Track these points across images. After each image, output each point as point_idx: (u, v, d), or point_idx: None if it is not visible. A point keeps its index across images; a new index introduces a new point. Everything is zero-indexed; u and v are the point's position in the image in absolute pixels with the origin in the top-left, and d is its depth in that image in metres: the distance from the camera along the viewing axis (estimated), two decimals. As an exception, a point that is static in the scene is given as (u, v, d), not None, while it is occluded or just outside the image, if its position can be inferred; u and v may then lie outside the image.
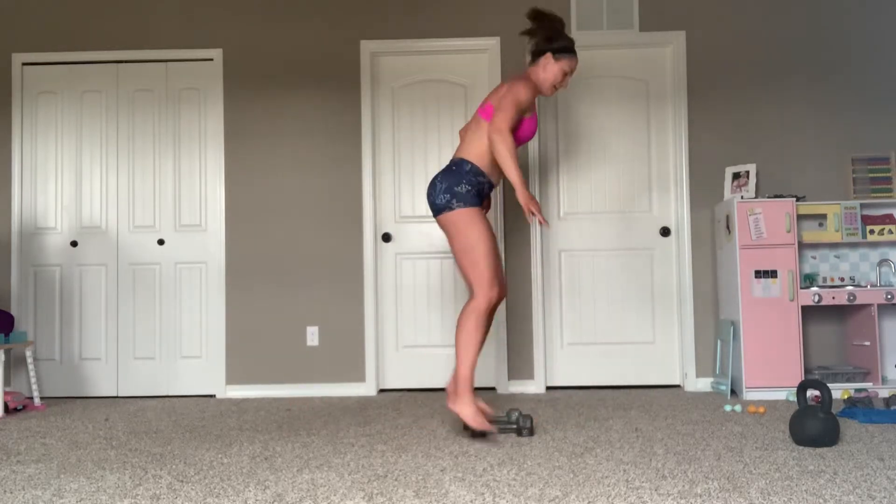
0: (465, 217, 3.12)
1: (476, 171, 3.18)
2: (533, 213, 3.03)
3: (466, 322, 3.10)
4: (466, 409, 3.08)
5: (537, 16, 3.26)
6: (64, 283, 4.73)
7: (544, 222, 3.03)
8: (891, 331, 4.38)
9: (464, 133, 3.39)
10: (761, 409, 3.65)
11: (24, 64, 4.78)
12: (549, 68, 3.26)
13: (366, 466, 2.72)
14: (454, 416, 3.72)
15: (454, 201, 3.13)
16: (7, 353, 4.40)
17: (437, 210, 3.18)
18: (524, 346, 4.59)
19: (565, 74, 3.28)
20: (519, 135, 3.27)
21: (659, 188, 4.67)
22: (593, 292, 4.65)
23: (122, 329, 4.70)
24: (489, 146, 3.15)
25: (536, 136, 4.63)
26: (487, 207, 3.42)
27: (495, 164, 3.23)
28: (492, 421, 3.30)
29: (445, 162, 4.71)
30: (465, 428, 3.30)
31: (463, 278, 3.33)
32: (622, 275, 4.64)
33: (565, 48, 3.25)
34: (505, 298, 3.15)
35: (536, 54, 3.28)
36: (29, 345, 4.29)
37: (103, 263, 4.73)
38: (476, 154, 3.20)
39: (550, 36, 3.25)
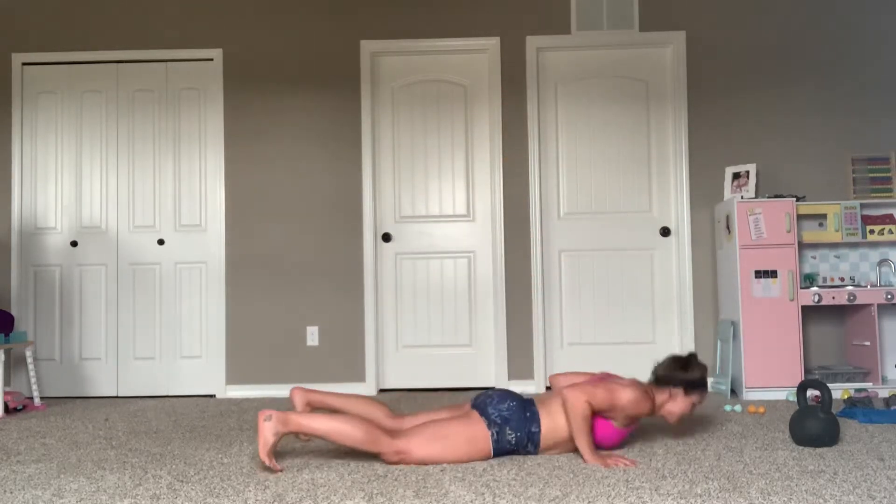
0: (474, 431, 2.75)
1: (534, 440, 2.80)
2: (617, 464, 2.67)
3: (359, 431, 2.65)
4: (269, 436, 2.63)
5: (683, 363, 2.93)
6: (64, 283, 4.73)
7: (630, 464, 2.67)
8: (891, 331, 4.38)
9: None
10: (761, 409, 3.65)
11: (24, 64, 4.78)
12: (678, 401, 2.90)
13: (366, 466, 2.72)
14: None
15: (493, 428, 2.76)
16: (7, 353, 4.40)
17: (478, 409, 2.81)
18: (524, 346, 4.59)
19: (695, 406, 2.95)
20: (599, 435, 2.85)
21: (659, 188, 4.67)
22: (593, 292, 4.65)
23: (122, 329, 4.70)
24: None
25: (536, 136, 4.62)
26: None
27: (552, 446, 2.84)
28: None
29: (445, 162, 4.71)
30: None
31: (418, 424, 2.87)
32: (622, 275, 4.64)
33: (698, 382, 2.91)
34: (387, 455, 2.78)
35: (663, 381, 2.92)
36: (29, 345, 4.29)
37: (103, 263, 4.73)
38: (547, 432, 2.79)
39: (684, 364, 2.91)
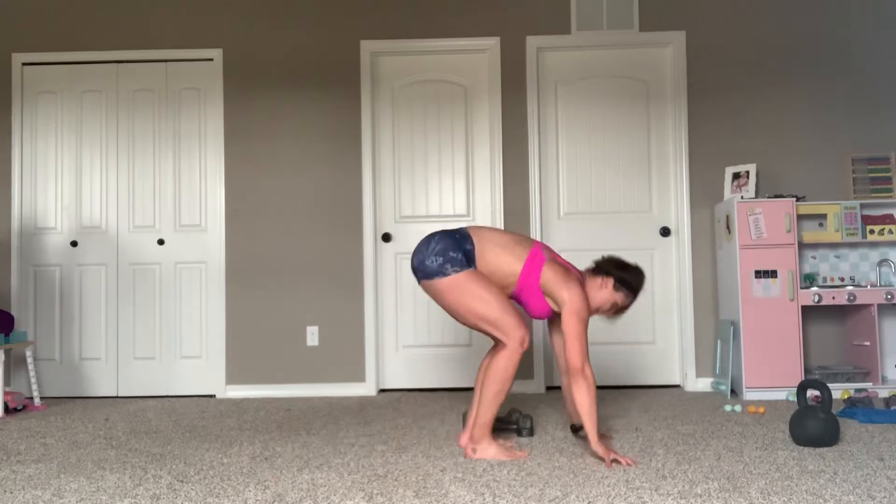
0: (463, 278, 2.82)
1: (471, 258, 2.87)
2: (616, 461, 2.72)
3: (499, 368, 2.82)
4: (491, 451, 2.84)
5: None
6: (64, 283, 4.73)
7: (632, 463, 2.71)
8: (891, 331, 4.38)
9: (502, 233, 3.00)
10: (761, 409, 3.65)
11: (24, 64, 4.78)
12: (604, 292, 2.98)
13: (366, 466, 2.72)
14: (453, 416, 3.72)
15: (448, 266, 2.83)
16: (7, 353, 4.40)
17: (427, 274, 2.86)
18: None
19: (615, 307, 3.01)
20: (536, 309, 2.97)
21: (659, 188, 4.67)
22: (593, 292, 4.64)
23: (122, 329, 4.70)
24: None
25: (536, 136, 4.62)
26: None
27: (496, 276, 2.91)
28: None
29: (445, 161, 4.71)
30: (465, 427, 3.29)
31: (480, 331, 2.96)
32: (622, 275, 4.64)
33: (628, 283, 2.97)
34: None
35: (597, 269, 3.01)
36: (29, 345, 4.29)
37: (103, 263, 4.73)
38: (483, 254, 2.89)
39: (622, 264, 3.00)
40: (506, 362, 2.82)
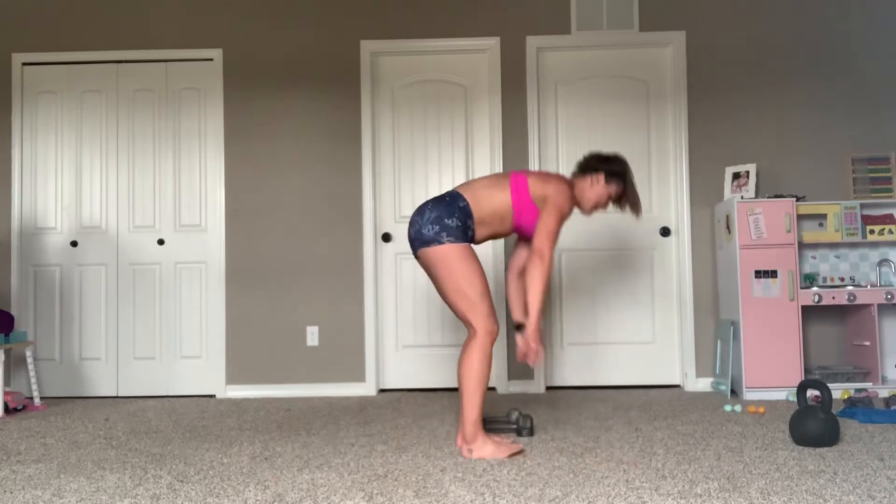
0: (457, 252, 2.89)
1: (468, 213, 2.95)
2: (527, 356, 2.91)
3: (472, 362, 2.87)
4: (488, 449, 2.86)
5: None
6: (64, 283, 4.73)
7: (536, 361, 2.91)
8: (891, 331, 4.38)
9: (482, 179, 3.10)
10: (761, 409, 3.65)
11: (24, 64, 4.78)
12: (596, 188, 3.08)
13: (366, 466, 2.72)
14: (453, 416, 3.73)
15: (444, 234, 2.89)
16: (7, 353, 4.40)
17: (424, 242, 2.91)
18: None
19: (609, 199, 3.11)
20: (524, 225, 3.05)
21: (659, 188, 4.67)
22: (593, 292, 4.64)
23: (122, 329, 4.70)
24: (496, 237, 3.07)
25: (536, 136, 4.62)
26: None
27: (488, 224, 3.01)
28: (492, 421, 3.30)
29: (445, 161, 4.71)
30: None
31: (455, 312, 3.06)
32: (622, 275, 4.64)
33: (619, 173, 3.08)
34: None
35: (586, 169, 3.10)
36: (29, 345, 4.29)
37: (103, 263, 4.73)
38: (477, 202, 2.98)
39: (608, 157, 3.11)
40: (478, 355, 2.87)
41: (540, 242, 2.89)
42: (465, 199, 2.96)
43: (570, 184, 3.08)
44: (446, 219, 2.90)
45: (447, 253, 2.88)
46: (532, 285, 2.87)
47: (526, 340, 2.90)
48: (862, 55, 4.58)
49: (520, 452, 2.89)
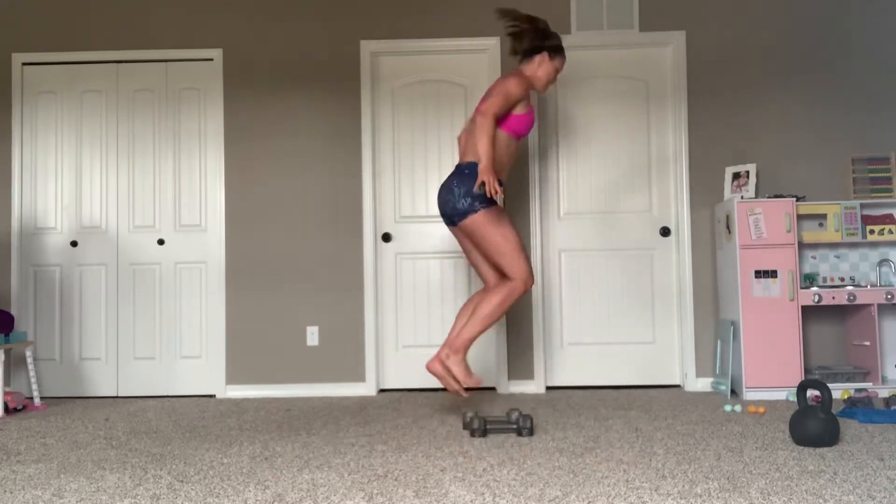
0: (492, 217, 3.29)
1: (473, 168, 3.31)
2: (484, 185, 3.17)
3: (498, 296, 3.27)
4: (460, 369, 3.31)
5: (529, 18, 3.47)
6: (64, 283, 4.73)
7: (497, 192, 3.13)
8: (891, 331, 4.38)
9: (464, 137, 3.51)
10: (761, 409, 3.65)
11: (24, 64, 4.78)
12: (544, 66, 3.46)
13: (366, 466, 2.72)
14: (453, 416, 3.73)
15: (476, 203, 3.27)
16: (7, 353, 4.40)
17: (461, 215, 3.30)
18: (524, 346, 4.59)
19: (557, 72, 3.51)
20: (517, 128, 3.40)
21: (659, 188, 4.67)
22: (593, 292, 4.64)
23: (122, 329, 4.70)
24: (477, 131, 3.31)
25: (536, 136, 4.62)
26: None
27: (504, 160, 3.38)
28: (492, 421, 3.30)
29: (445, 161, 4.71)
30: (464, 428, 3.30)
31: (483, 273, 3.52)
32: (622, 275, 4.64)
33: (559, 47, 3.48)
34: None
35: (530, 52, 3.45)
36: (29, 345, 4.29)
37: (103, 263, 4.73)
38: (479, 138, 3.26)
39: (546, 35, 3.44)
40: (507, 294, 3.29)
41: (484, 106, 3.22)
42: (469, 167, 3.31)
43: (518, 72, 3.40)
44: (475, 190, 3.19)
45: (483, 220, 3.28)
46: (479, 136, 3.19)
47: (483, 175, 3.14)
48: (862, 55, 4.58)
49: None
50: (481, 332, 3.31)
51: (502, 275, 3.43)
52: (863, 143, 4.56)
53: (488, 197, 3.21)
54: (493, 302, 3.29)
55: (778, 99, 4.60)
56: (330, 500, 2.29)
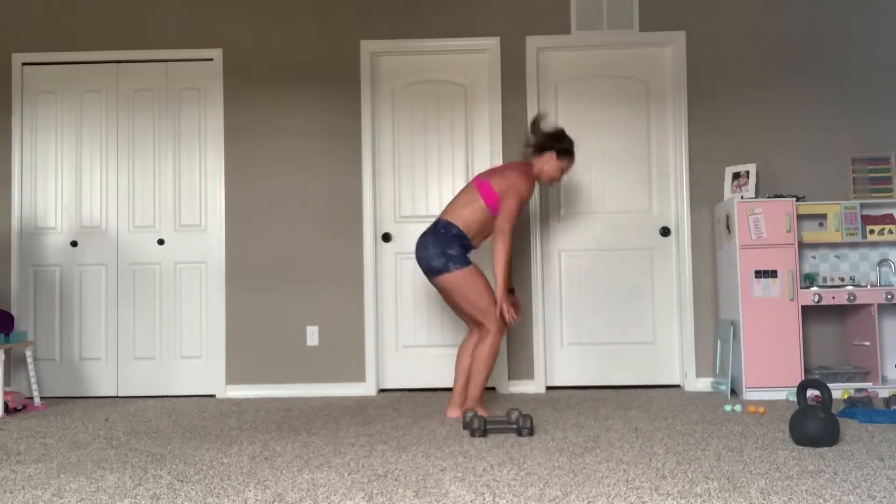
0: (465, 276, 3.51)
1: (462, 236, 3.56)
2: (503, 312, 3.51)
3: (484, 351, 3.56)
4: (485, 413, 3.61)
5: (553, 135, 3.71)
6: (64, 283, 4.73)
7: (514, 319, 3.52)
8: (891, 331, 4.38)
9: (460, 199, 3.66)
10: (761, 409, 3.65)
11: (24, 64, 4.78)
12: (551, 163, 3.68)
13: (366, 466, 2.72)
14: (454, 418, 3.73)
15: (450, 264, 3.51)
16: (7, 353, 4.40)
17: (435, 272, 3.54)
18: (524, 346, 4.59)
19: (562, 171, 3.72)
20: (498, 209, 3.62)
21: (659, 188, 4.67)
22: (593, 292, 4.64)
23: (122, 329, 4.70)
24: (490, 234, 3.66)
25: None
26: None
27: (480, 232, 3.62)
28: (492, 421, 3.30)
29: (445, 161, 4.71)
30: (464, 428, 3.30)
31: (461, 316, 3.77)
32: (622, 275, 4.64)
33: (568, 151, 3.70)
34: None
35: (540, 148, 3.69)
36: (29, 345, 4.29)
37: (103, 263, 4.73)
38: (464, 222, 3.57)
39: (558, 136, 3.68)
40: (491, 348, 3.57)
41: (501, 222, 3.51)
42: (455, 226, 3.55)
43: (527, 165, 3.67)
44: (448, 250, 3.51)
45: (458, 279, 3.51)
46: (496, 258, 3.49)
47: (500, 303, 3.50)
48: (862, 55, 4.58)
49: (485, 433, 3.23)
50: (484, 386, 3.62)
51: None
52: (863, 143, 4.56)
53: (465, 256, 3.53)
54: (483, 358, 3.57)
55: (778, 99, 4.60)
56: (330, 500, 2.29)
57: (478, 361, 3.58)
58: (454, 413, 3.68)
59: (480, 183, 3.61)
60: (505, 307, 3.49)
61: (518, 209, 3.55)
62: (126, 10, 4.77)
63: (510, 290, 3.89)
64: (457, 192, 4.70)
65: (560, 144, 3.68)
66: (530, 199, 3.72)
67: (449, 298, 3.64)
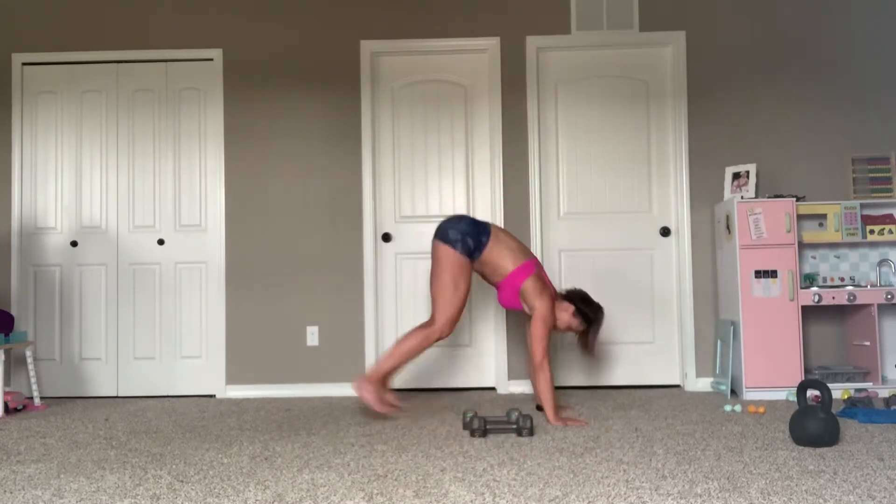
0: (459, 262, 3.58)
1: (481, 247, 3.61)
2: (569, 421, 3.46)
3: (415, 340, 3.54)
4: (370, 396, 3.54)
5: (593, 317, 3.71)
6: (64, 283, 4.73)
7: (583, 423, 3.46)
8: (891, 331, 4.38)
9: (510, 239, 3.71)
10: (761, 409, 3.65)
11: (24, 64, 4.78)
12: (567, 314, 3.69)
13: (366, 466, 2.72)
14: (453, 416, 3.73)
15: (459, 245, 3.57)
16: (7, 353, 4.40)
17: (444, 239, 3.59)
18: (524, 346, 4.59)
19: (570, 329, 3.72)
20: (505, 300, 3.71)
21: (659, 188, 4.67)
22: (593, 292, 4.64)
23: (122, 329, 4.70)
24: (487, 279, 3.74)
25: (536, 136, 4.63)
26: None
27: (485, 264, 3.65)
28: (492, 421, 3.30)
29: (445, 161, 4.71)
30: (464, 428, 3.30)
31: (432, 301, 3.68)
32: (622, 275, 4.64)
33: (588, 317, 3.68)
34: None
35: (568, 298, 3.71)
36: (29, 345, 4.29)
37: (103, 263, 4.73)
38: (492, 248, 3.62)
39: (587, 301, 3.69)
40: (423, 339, 3.54)
41: (536, 356, 3.52)
42: (489, 238, 3.63)
43: (553, 298, 3.65)
44: (469, 237, 3.59)
45: (451, 257, 3.57)
46: (542, 392, 3.49)
47: (559, 423, 3.46)
48: (862, 55, 4.58)
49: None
50: (396, 367, 3.55)
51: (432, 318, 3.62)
52: (863, 143, 4.56)
53: (471, 251, 3.60)
54: (411, 343, 3.53)
55: (778, 99, 4.60)
56: (330, 500, 2.29)
57: (403, 344, 3.54)
58: (357, 388, 3.57)
59: (528, 265, 3.63)
60: (555, 423, 3.45)
61: (546, 333, 3.55)
62: (126, 10, 4.77)
63: (537, 407, 3.88)
64: (457, 193, 4.70)
65: (585, 306, 3.67)
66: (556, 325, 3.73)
67: (432, 271, 3.63)
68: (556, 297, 3.71)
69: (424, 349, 3.56)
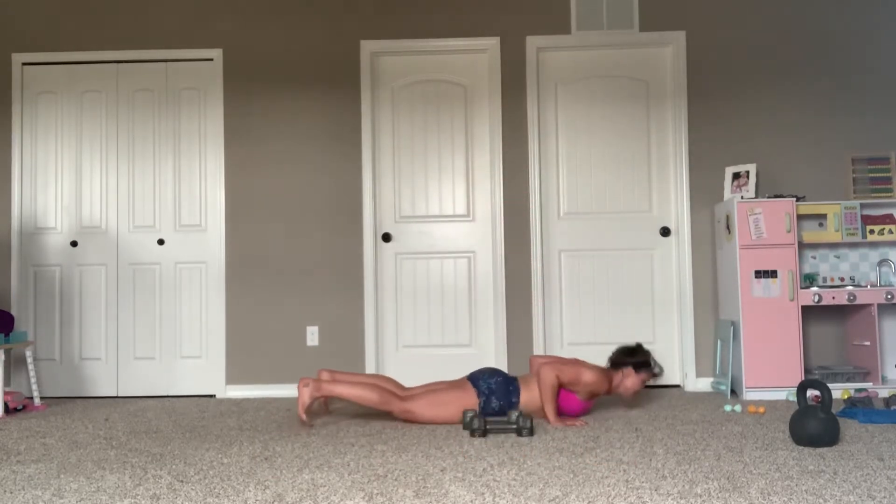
0: (467, 404, 3.51)
1: (512, 402, 3.55)
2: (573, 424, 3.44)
3: (378, 398, 3.48)
4: (306, 399, 3.46)
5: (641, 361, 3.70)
6: (64, 283, 4.73)
7: (584, 424, 3.43)
8: (891, 331, 4.38)
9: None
10: (761, 409, 3.65)
11: (24, 64, 4.78)
12: (630, 378, 3.64)
13: (366, 466, 2.72)
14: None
15: (483, 399, 3.52)
16: (7, 353, 4.40)
17: (474, 383, 3.55)
18: (524, 346, 4.59)
19: (643, 383, 3.68)
20: (573, 407, 3.62)
21: (659, 188, 4.67)
22: (593, 292, 4.64)
23: (122, 329, 4.70)
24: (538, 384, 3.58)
25: (536, 135, 4.62)
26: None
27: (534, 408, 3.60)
28: (492, 421, 3.30)
29: (445, 161, 4.71)
30: (464, 428, 3.30)
31: (432, 386, 3.70)
32: (622, 275, 4.64)
33: (646, 363, 3.66)
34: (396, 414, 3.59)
35: (617, 365, 3.67)
36: (29, 345, 4.29)
37: (103, 263, 4.73)
38: (530, 391, 3.57)
39: (633, 352, 3.67)
40: (386, 402, 3.49)
41: (554, 368, 3.50)
42: (518, 397, 3.55)
43: (606, 372, 3.62)
44: (493, 397, 3.51)
45: (466, 399, 3.52)
46: (540, 389, 3.51)
47: (559, 424, 3.44)
48: (862, 55, 4.58)
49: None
50: (346, 398, 3.49)
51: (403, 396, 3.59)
52: (863, 143, 4.56)
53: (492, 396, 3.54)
54: (373, 397, 3.49)
55: (778, 99, 4.60)
56: (330, 500, 2.29)
57: (372, 391, 3.50)
58: (303, 384, 3.51)
59: (567, 395, 3.60)
60: (557, 425, 3.43)
61: (574, 377, 3.51)
62: (126, 10, 4.77)
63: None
64: (457, 193, 4.69)
65: (635, 358, 3.66)
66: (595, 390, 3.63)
67: (445, 385, 3.64)
68: (608, 372, 3.65)
69: (379, 410, 3.58)
